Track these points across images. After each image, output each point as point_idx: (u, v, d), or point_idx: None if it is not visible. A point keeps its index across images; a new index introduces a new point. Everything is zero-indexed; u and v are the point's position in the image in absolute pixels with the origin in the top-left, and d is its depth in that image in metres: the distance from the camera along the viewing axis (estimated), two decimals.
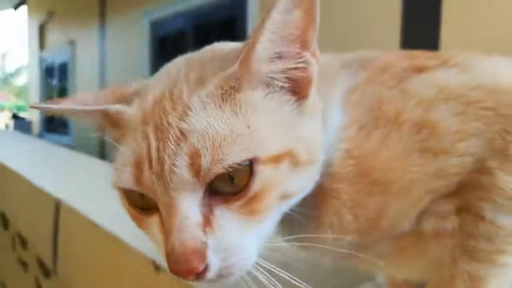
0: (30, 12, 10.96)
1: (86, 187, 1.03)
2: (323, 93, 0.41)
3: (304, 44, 0.36)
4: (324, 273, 0.55)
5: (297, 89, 0.38)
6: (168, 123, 0.34)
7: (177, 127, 0.34)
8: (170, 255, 0.33)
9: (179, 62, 0.42)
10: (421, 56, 0.45)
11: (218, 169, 0.32)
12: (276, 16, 0.33)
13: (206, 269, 0.33)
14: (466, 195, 0.39)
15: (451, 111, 0.39)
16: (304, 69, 0.37)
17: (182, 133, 0.33)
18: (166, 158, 0.33)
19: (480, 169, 0.38)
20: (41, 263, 1.25)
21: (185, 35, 4.96)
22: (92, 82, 6.22)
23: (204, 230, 0.33)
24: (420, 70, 0.43)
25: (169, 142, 0.33)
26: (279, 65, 0.36)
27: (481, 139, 0.38)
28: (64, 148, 1.99)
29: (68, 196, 0.95)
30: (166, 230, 0.33)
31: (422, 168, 0.39)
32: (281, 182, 0.35)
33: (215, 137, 0.33)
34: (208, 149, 0.32)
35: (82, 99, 0.42)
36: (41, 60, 9.86)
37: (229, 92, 0.35)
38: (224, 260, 0.34)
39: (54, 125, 9.14)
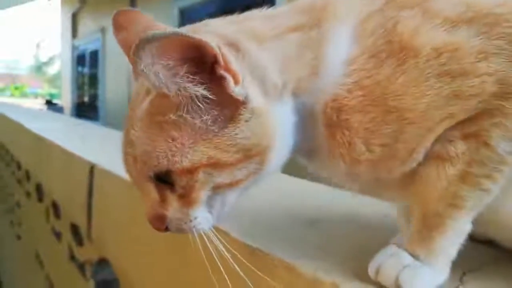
0: (63, 1, 11.23)
1: (118, 153, 1.05)
2: (317, 40, 0.42)
3: (205, 65, 0.39)
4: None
5: (223, 102, 0.40)
6: (128, 129, 0.43)
7: (129, 135, 0.43)
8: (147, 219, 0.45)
9: None
10: None
11: (145, 177, 0.43)
12: (152, 52, 0.37)
13: (167, 228, 0.45)
14: (480, 122, 0.39)
15: (475, 31, 0.38)
16: (222, 86, 0.39)
17: (131, 141, 0.42)
18: (125, 156, 0.44)
19: (503, 92, 0.37)
20: (74, 232, 1.29)
21: None
22: (122, 69, 6.32)
23: (162, 206, 0.44)
24: None
25: (126, 144, 0.44)
26: (189, 90, 0.39)
27: (502, 57, 0.37)
28: (96, 124, 2.04)
29: (102, 161, 0.97)
30: None
31: (439, 91, 0.38)
32: (202, 183, 0.41)
33: (143, 151, 0.41)
34: (139, 159, 0.42)
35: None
36: (73, 48, 10.11)
37: (156, 113, 0.41)
38: (179, 224, 0.44)
39: (84, 110, 9.40)
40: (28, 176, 1.93)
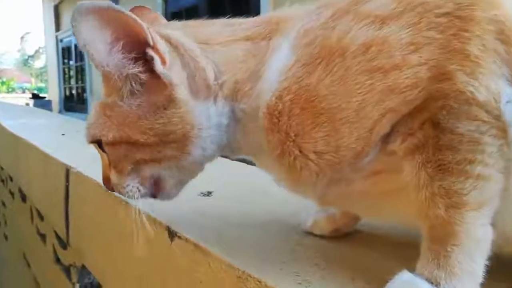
0: None
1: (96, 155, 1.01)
2: (261, 50, 0.46)
3: (140, 46, 0.43)
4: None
5: (150, 86, 0.44)
6: None
7: None
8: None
9: None
10: None
11: (88, 141, 0.49)
12: (87, 37, 0.42)
13: (112, 188, 0.51)
14: (429, 108, 0.37)
15: (405, 23, 0.38)
16: (150, 68, 0.44)
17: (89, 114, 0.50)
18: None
19: (440, 75, 0.36)
20: (58, 236, 1.25)
21: (199, 9, 4.92)
22: None
23: (109, 169, 0.50)
24: None
25: None
26: (123, 70, 0.44)
27: (435, 45, 0.37)
28: (82, 121, 1.98)
29: (78, 163, 0.92)
30: None
31: (371, 88, 0.38)
32: (125, 156, 0.47)
33: (90, 122, 0.48)
34: (86, 127, 0.49)
35: None
36: (58, 41, 9.95)
37: (104, 93, 0.47)
38: (117, 188, 0.50)
39: (72, 103, 9.31)
40: (11, 176, 1.88)
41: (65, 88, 9.96)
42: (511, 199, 0.38)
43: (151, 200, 0.51)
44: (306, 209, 0.57)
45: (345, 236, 0.55)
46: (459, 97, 0.36)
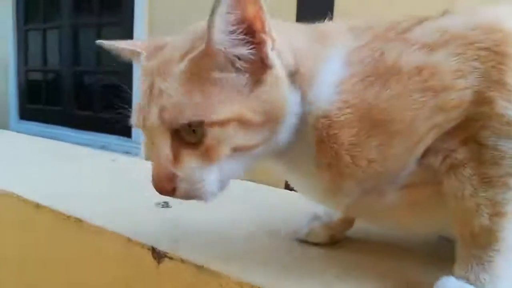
0: None
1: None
2: (318, 53, 0.49)
3: (256, 29, 0.45)
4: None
5: (256, 65, 0.46)
6: (156, 82, 0.46)
7: (159, 86, 0.45)
8: (152, 177, 0.46)
9: (191, 28, 0.51)
10: (424, 14, 0.49)
11: (175, 125, 0.44)
12: (223, 10, 0.42)
13: (175, 190, 0.46)
14: (470, 127, 0.43)
15: (451, 52, 0.44)
16: (259, 49, 0.45)
17: (160, 92, 0.45)
18: (147, 107, 0.46)
19: (481, 100, 0.42)
20: None
21: None
22: None
23: (173, 165, 0.45)
24: (422, 21, 0.48)
25: (152, 96, 0.46)
26: (236, 50, 0.45)
27: (477, 74, 0.43)
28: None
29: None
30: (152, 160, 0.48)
31: (424, 105, 0.43)
32: (229, 139, 0.45)
33: (178, 101, 0.44)
34: (171, 108, 0.44)
35: (135, 43, 0.56)
36: None
37: (197, 70, 0.45)
38: (190, 185, 0.46)
39: None
40: None
41: None
42: None
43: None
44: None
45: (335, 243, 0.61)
46: (501, 119, 0.41)
